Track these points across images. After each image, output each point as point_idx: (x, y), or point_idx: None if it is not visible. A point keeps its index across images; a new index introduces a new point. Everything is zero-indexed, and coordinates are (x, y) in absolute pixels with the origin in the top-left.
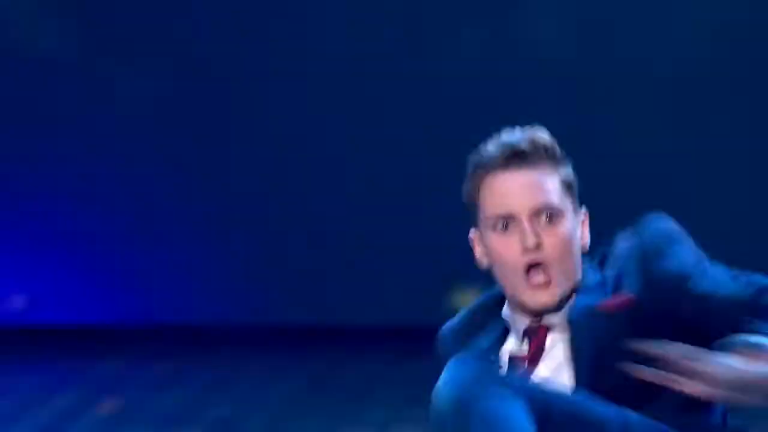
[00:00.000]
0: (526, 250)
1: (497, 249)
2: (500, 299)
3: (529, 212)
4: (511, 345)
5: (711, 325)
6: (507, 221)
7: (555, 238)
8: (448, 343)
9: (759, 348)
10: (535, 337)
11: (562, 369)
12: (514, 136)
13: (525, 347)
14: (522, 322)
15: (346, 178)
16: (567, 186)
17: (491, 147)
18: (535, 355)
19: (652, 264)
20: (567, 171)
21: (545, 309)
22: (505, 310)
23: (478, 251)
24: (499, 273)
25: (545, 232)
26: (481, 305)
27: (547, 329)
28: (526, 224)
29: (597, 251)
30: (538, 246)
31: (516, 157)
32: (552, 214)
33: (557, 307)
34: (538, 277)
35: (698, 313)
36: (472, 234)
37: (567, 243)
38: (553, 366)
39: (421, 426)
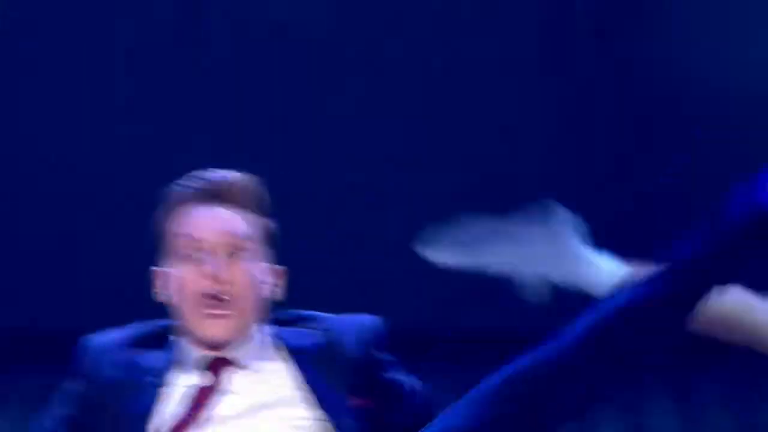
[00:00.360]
0: (208, 279)
1: (180, 278)
2: (167, 330)
3: (218, 246)
4: (187, 376)
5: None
6: (195, 252)
7: (239, 273)
8: (105, 352)
9: None
10: (218, 369)
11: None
12: (216, 174)
13: (206, 378)
14: (198, 353)
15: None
16: (263, 233)
17: (190, 182)
18: (220, 387)
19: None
20: (265, 220)
21: (217, 341)
22: (178, 340)
23: (159, 284)
24: (178, 303)
25: (231, 267)
26: (150, 329)
27: (228, 362)
28: (212, 257)
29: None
30: (221, 278)
31: (212, 194)
32: (239, 251)
33: (229, 342)
34: (215, 309)
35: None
36: (156, 268)
37: (251, 281)
38: (244, 401)
39: None
